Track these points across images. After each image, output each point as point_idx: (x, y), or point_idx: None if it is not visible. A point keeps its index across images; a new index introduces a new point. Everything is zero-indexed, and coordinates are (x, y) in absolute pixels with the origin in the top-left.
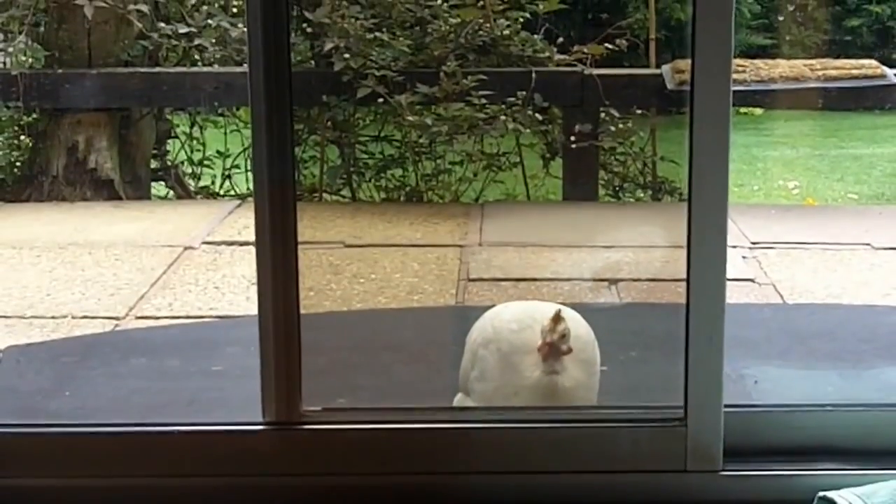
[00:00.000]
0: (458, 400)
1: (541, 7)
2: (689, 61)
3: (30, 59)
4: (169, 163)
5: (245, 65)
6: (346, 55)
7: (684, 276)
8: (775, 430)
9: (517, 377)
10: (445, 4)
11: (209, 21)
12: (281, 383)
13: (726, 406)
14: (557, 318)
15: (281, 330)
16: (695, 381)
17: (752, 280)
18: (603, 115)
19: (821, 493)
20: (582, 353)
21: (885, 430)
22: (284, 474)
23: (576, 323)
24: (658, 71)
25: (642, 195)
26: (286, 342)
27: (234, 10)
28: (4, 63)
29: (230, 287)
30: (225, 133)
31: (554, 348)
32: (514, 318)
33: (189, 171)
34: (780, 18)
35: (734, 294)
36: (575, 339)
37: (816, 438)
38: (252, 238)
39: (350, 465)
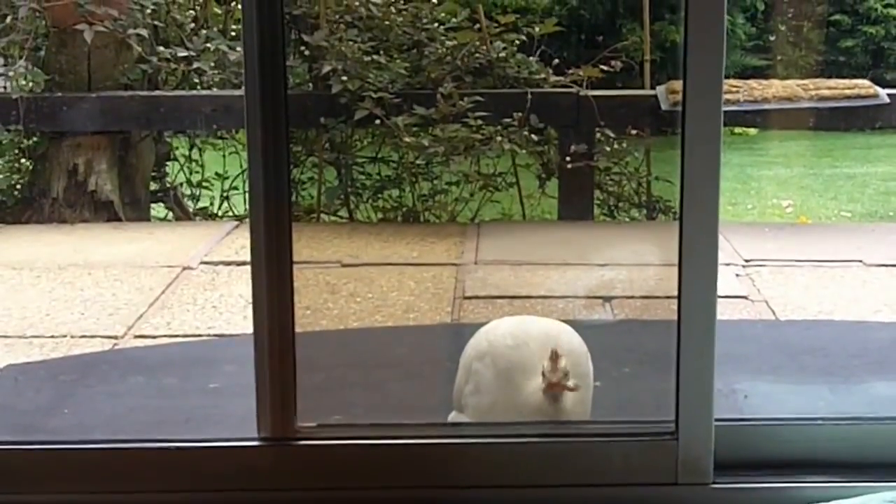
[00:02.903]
0: (453, 417)
1: (537, 30)
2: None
3: (30, 83)
4: (168, 184)
5: (243, 87)
6: (344, 77)
7: (676, 293)
8: (765, 444)
9: (519, 397)
10: (442, 27)
11: (208, 45)
12: (276, 400)
13: (717, 420)
14: (555, 357)
15: (276, 348)
16: (686, 396)
17: (745, 297)
18: (598, 135)
19: None
20: (576, 368)
21: (874, 443)
22: (279, 489)
23: (569, 337)
24: (653, 92)
25: (637, 214)
26: (281, 360)
27: (233, 33)
28: (5, 87)
29: (228, 306)
30: (223, 155)
31: (560, 387)
32: (509, 334)
33: (188, 192)
34: (772, 38)
35: (727, 311)
36: (569, 354)
37: (806, 452)
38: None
39: (344, 480)
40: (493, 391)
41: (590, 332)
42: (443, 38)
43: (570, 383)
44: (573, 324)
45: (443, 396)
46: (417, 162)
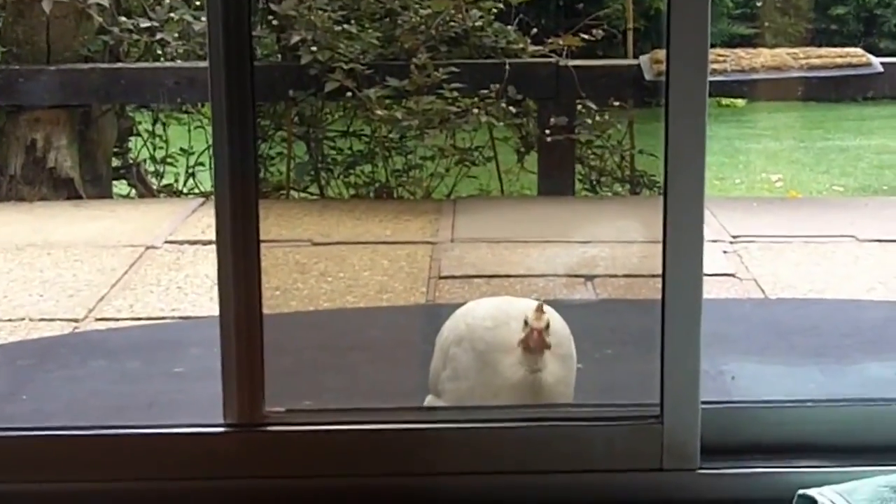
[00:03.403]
0: (429, 401)
1: None
2: None
3: None
4: (131, 160)
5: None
6: (314, 48)
7: (661, 271)
8: (754, 427)
9: (497, 378)
10: None
11: (171, 14)
12: (243, 384)
13: (703, 403)
14: (540, 309)
15: (243, 330)
16: (671, 377)
17: (732, 275)
18: (579, 107)
19: (801, 491)
20: (559, 349)
21: (867, 426)
22: (247, 477)
23: (552, 318)
24: (636, 62)
25: (620, 189)
26: (248, 342)
27: (197, 2)
28: None
29: (193, 287)
30: (189, 130)
31: (541, 338)
32: (489, 315)
33: (152, 168)
34: (760, 5)
35: (714, 289)
36: (552, 334)
37: (796, 435)
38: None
39: (315, 467)
40: (471, 376)
41: (571, 312)
42: (416, 6)
43: (548, 340)
44: (554, 304)
45: (418, 380)
46: (390, 136)
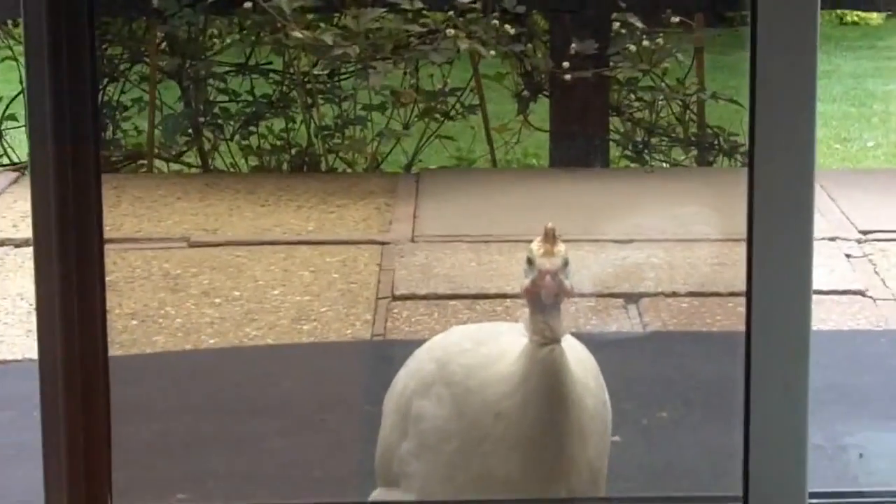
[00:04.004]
0: (377, 496)
1: None
2: None
3: None
4: None
5: None
6: None
7: (744, 287)
8: None
9: (489, 391)
10: None
11: None
12: (76, 467)
13: (813, 495)
14: (552, 237)
15: (76, 381)
16: (761, 455)
17: (861, 293)
18: (616, 25)
19: None
20: (584, 407)
21: None
22: None
23: (575, 354)
24: None
25: (681, 156)
26: (85, 403)
27: None
28: None
29: (0, 313)
30: None
31: (556, 283)
32: (467, 336)
33: None
34: None
35: (833, 315)
36: (571, 391)
37: None
38: None
39: None
40: (451, 429)
41: (604, 352)
42: None
43: (568, 284)
44: (578, 338)
45: (360, 459)
46: (315, 72)
